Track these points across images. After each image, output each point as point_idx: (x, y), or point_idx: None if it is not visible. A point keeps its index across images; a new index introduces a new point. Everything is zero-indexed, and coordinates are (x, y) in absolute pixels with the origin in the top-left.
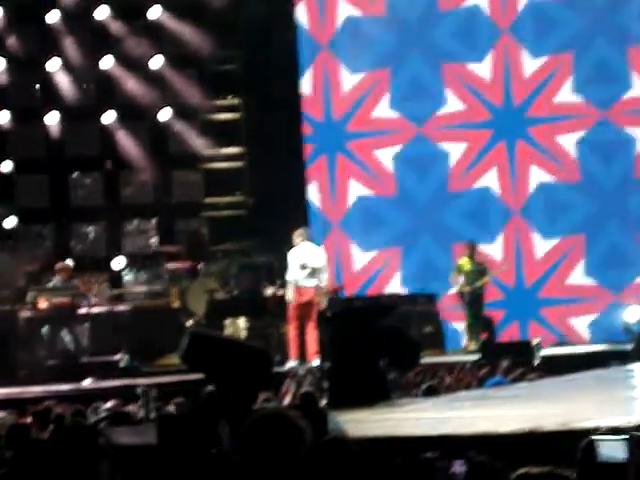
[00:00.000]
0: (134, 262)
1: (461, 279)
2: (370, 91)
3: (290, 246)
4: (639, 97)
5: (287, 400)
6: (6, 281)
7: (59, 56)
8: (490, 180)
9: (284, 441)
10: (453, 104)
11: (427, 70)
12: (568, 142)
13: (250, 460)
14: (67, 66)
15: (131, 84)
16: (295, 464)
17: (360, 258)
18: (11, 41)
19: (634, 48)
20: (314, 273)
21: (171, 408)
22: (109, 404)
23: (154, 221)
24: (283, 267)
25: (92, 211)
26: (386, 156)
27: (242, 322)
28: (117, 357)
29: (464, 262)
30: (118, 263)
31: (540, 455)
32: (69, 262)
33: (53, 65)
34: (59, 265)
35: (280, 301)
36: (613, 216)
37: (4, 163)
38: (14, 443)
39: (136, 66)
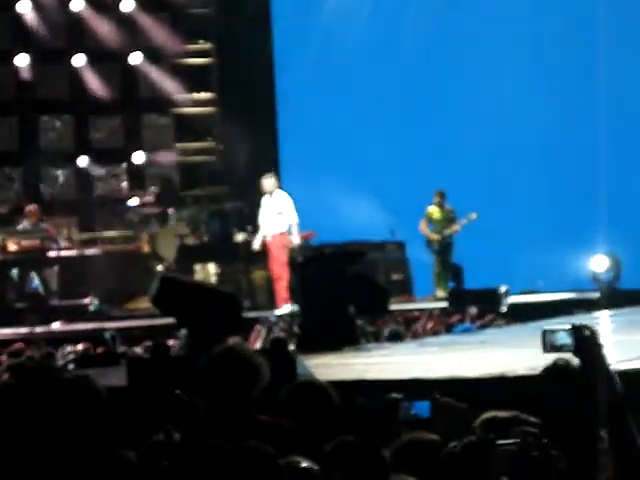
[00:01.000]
0: (104, 206)
1: (431, 227)
2: None
3: (260, 193)
4: None
5: (257, 345)
6: None
7: None
8: None
9: (240, 377)
10: None
11: None
12: None
13: (209, 398)
14: (37, 7)
15: (102, 26)
16: (252, 400)
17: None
18: None
19: None
20: (283, 220)
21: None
22: (78, 347)
23: (124, 165)
24: (253, 213)
25: (62, 155)
26: None
27: (212, 268)
28: (86, 300)
29: (433, 210)
30: (88, 206)
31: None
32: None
33: (23, 6)
34: (28, 208)
35: (250, 247)
36: None
37: None
38: None
39: (107, 8)
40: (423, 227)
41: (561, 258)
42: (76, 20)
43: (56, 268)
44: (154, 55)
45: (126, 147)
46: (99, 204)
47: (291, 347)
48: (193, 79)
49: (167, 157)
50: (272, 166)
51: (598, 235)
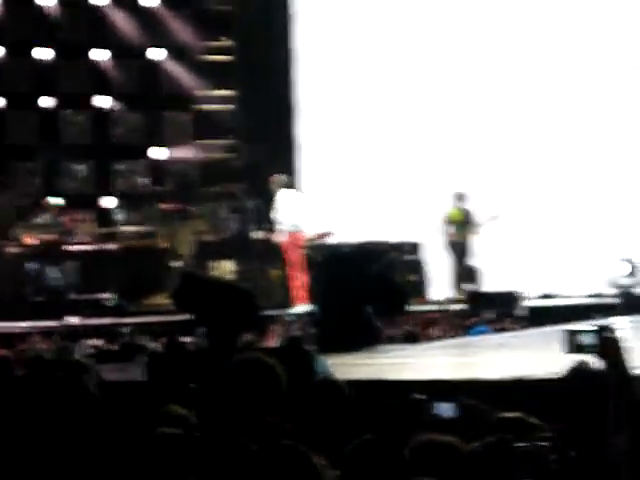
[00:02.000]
0: (125, 202)
1: (450, 229)
2: None
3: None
4: None
5: (273, 343)
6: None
7: None
8: None
9: (260, 386)
10: None
11: None
12: None
13: (226, 400)
14: (61, 1)
15: (124, 22)
16: (270, 408)
17: None
18: None
19: None
20: (298, 219)
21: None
22: (95, 341)
23: (144, 162)
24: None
25: (82, 149)
26: None
27: (229, 265)
28: (104, 295)
29: (452, 212)
30: (108, 202)
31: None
32: (57, 200)
33: (46, 0)
34: (46, 202)
35: (268, 245)
36: None
37: None
38: None
39: (129, 4)
40: (441, 229)
41: (580, 263)
42: (98, 15)
43: (74, 263)
44: (176, 51)
45: (146, 143)
46: (119, 199)
47: (308, 346)
48: (214, 76)
49: (187, 154)
50: (290, 164)
51: (618, 240)
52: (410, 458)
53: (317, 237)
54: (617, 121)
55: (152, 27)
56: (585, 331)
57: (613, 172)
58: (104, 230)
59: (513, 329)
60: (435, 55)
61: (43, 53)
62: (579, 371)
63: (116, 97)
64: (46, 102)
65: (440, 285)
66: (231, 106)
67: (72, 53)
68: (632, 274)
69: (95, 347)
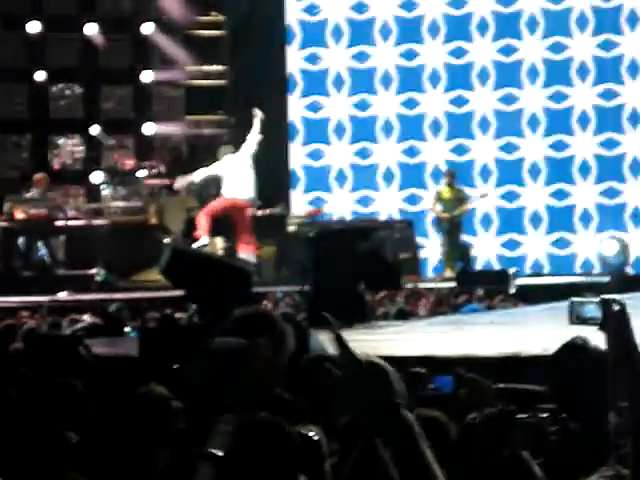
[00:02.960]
0: (113, 177)
1: (441, 206)
2: None
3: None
4: None
5: None
6: None
7: None
8: None
9: (264, 342)
10: None
11: None
12: None
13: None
14: None
15: None
16: (278, 369)
17: None
18: None
19: None
20: (244, 184)
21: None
22: (86, 317)
23: (133, 136)
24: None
25: (71, 124)
26: None
27: (219, 241)
28: (93, 271)
29: (443, 189)
30: (96, 177)
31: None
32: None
33: None
34: (36, 176)
35: (258, 222)
36: None
37: None
38: None
39: None
40: (432, 206)
41: (570, 241)
42: None
43: (63, 238)
44: (166, 25)
45: (136, 118)
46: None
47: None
48: (204, 51)
49: (177, 129)
50: (282, 140)
51: (608, 218)
52: None
53: (308, 214)
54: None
55: (142, 0)
56: (588, 302)
57: (603, 146)
58: (93, 205)
59: (504, 307)
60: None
61: (33, 26)
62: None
63: (105, 71)
64: (38, 76)
65: (431, 263)
66: (222, 81)
67: (62, 26)
68: (622, 253)
69: (83, 322)
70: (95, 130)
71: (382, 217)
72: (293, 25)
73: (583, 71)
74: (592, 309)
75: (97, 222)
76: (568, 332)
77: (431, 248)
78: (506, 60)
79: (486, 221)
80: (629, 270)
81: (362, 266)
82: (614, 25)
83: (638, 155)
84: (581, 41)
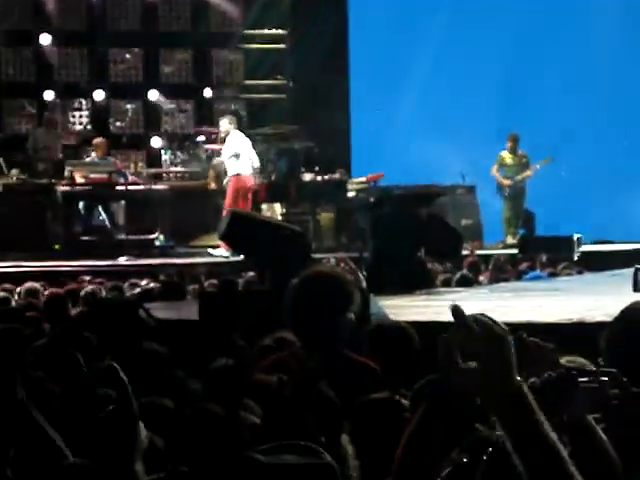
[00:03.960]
0: (172, 142)
1: (504, 172)
2: None
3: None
4: None
5: None
6: (45, 155)
7: None
8: None
9: (332, 302)
10: None
11: None
12: None
13: (296, 326)
14: None
15: None
16: (343, 330)
17: None
18: None
19: None
20: (239, 163)
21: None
22: (145, 281)
23: (193, 101)
24: (322, 153)
25: (131, 88)
26: None
27: (278, 208)
28: (152, 236)
29: (506, 155)
30: (156, 142)
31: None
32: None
33: None
34: (96, 141)
35: (318, 188)
36: None
37: (42, 36)
38: (52, 315)
39: None
40: (495, 172)
41: (636, 207)
42: None
43: (123, 202)
44: None
45: (195, 82)
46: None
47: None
48: (264, 14)
49: (236, 94)
50: (343, 105)
51: None
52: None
53: (368, 180)
54: None
55: None
56: None
57: None
58: (152, 170)
59: (568, 274)
60: None
61: None
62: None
63: (164, 35)
64: (98, 40)
65: (494, 229)
66: (282, 45)
67: None
68: None
69: (142, 287)
70: (154, 95)
71: (444, 183)
72: None
73: None
74: None
75: (157, 187)
76: (632, 299)
77: (494, 214)
78: None
79: (550, 186)
80: None
81: (423, 232)
82: None
83: None
84: None
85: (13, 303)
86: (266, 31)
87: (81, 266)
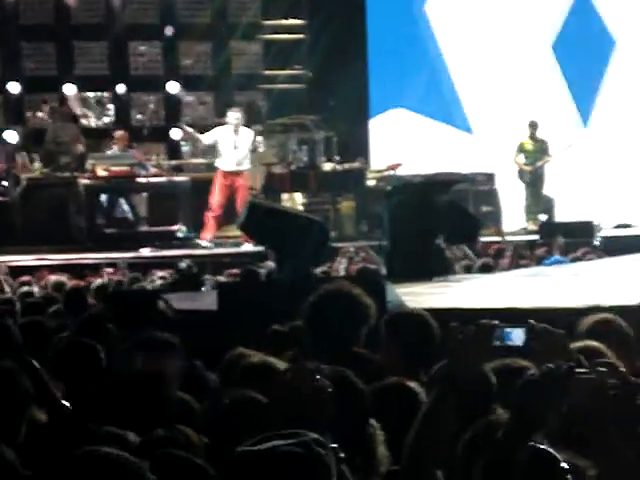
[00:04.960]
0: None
1: (524, 158)
2: None
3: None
4: None
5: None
6: (67, 148)
7: None
8: None
9: (348, 318)
10: None
11: None
12: None
13: (314, 332)
14: None
15: None
16: (358, 339)
17: None
18: None
19: None
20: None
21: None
22: (164, 272)
23: (213, 93)
24: (341, 143)
25: (151, 80)
26: None
27: (299, 197)
28: (174, 227)
29: (525, 141)
30: (176, 134)
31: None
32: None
33: None
34: (117, 133)
35: (337, 177)
36: None
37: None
38: (73, 307)
39: None
40: (515, 158)
41: None
42: None
43: (145, 194)
44: None
45: (214, 73)
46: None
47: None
48: (283, 5)
49: (255, 84)
50: (362, 95)
51: None
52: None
53: (387, 168)
54: None
55: None
56: None
57: None
58: (174, 162)
59: (589, 259)
60: None
61: None
62: None
63: (184, 27)
64: (118, 33)
65: (514, 215)
66: (301, 36)
67: None
68: None
69: (162, 278)
70: (174, 87)
71: (463, 171)
72: None
73: None
74: None
75: (178, 179)
76: None
77: (514, 201)
78: None
79: (569, 172)
80: None
81: (441, 219)
82: None
83: None
84: None
85: (36, 296)
86: (284, 21)
87: (103, 258)
